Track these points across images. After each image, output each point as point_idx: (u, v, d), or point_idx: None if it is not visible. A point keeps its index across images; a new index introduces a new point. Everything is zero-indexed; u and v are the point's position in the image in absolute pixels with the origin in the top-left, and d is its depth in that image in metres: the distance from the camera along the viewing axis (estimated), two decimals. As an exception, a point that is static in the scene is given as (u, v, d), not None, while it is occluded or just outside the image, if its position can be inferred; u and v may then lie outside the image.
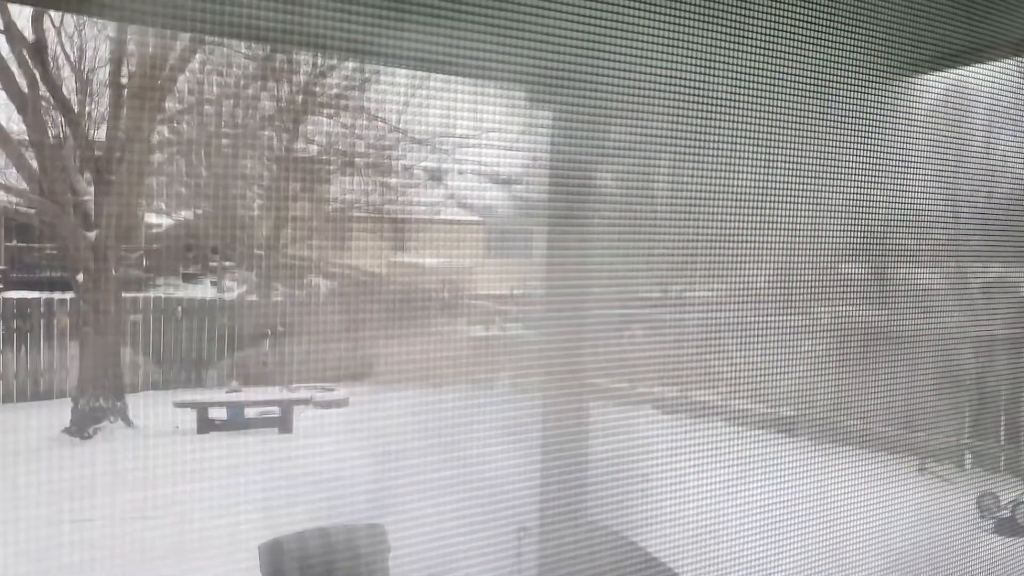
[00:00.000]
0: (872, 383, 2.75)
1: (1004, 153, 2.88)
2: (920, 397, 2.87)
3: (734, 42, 2.12)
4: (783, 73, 2.20)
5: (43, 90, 5.60)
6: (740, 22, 2.10)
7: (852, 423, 2.80)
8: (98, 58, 6.01)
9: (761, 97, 2.29)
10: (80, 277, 5.76)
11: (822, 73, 2.25)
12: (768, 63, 2.18)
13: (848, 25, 2.24)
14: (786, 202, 2.41)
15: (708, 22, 2.04)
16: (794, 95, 2.27)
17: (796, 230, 2.47)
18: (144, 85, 5.63)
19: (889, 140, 2.50)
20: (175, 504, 4.62)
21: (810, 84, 2.25)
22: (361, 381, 5.80)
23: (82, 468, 5.01)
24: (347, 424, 5.61)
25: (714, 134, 2.24)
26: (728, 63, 2.16)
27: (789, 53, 2.15)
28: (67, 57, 5.88)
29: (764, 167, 2.40)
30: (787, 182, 2.39)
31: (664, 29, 1.97)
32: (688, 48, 2.04)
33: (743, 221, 2.47)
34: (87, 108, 6.03)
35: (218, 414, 6.08)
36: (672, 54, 2.01)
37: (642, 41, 1.97)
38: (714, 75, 2.15)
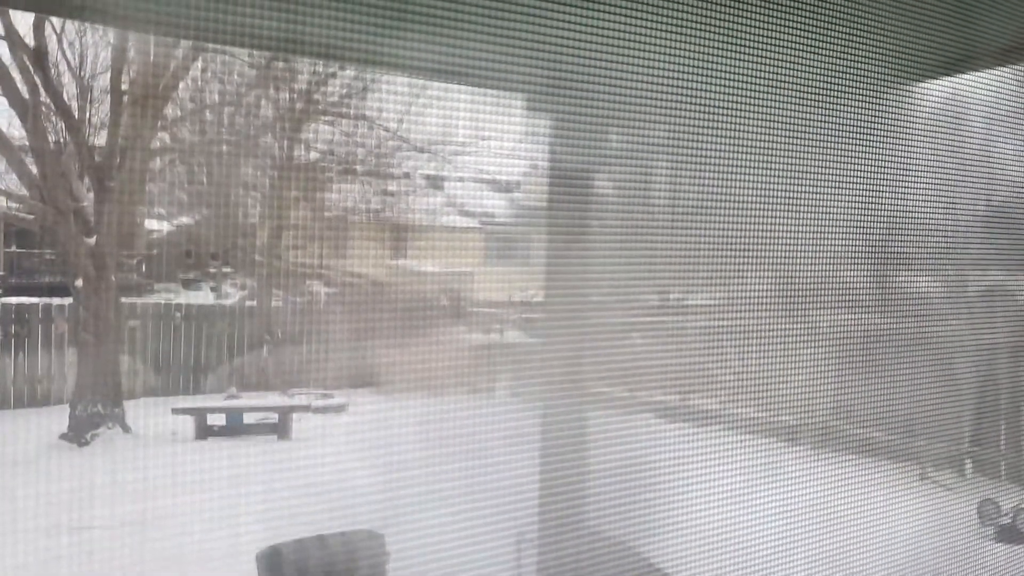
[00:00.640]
0: (872, 390, 2.75)
1: (1003, 159, 2.89)
2: (921, 404, 2.87)
3: (733, 49, 2.12)
4: (782, 80, 2.21)
5: (44, 96, 5.61)
6: (739, 30, 2.10)
7: (852, 430, 2.80)
8: (99, 64, 6.03)
9: (760, 104, 2.30)
10: (79, 283, 5.76)
11: (821, 80, 2.26)
12: (767, 71, 2.18)
13: (847, 32, 2.25)
14: (786, 209, 2.41)
15: (707, 29, 2.05)
16: (794, 102, 2.27)
17: (796, 237, 2.47)
18: (145, 92, 5.64)
19: (889, 147, 2.50)
20: (173, 511, 4.61)
21: (810, 91, 2.26)
22: (360, 387, 5.79)
23: (80, 475, 5.00)
24: (346, 430, 5.60)
25: (714, 141, 2.24)
26: (727, 71, 2.17)
27: (788, 60, 2.16)
28: (68, 63, 5.89)
29: (763, 174, 2.41)
30: (787, 189, 2.40)
31: (663, 36, 1.97)
32: (687, 55, 2.04)
33: (743, 228, 2.47)
34: (88, 114, 6.04)
35: (216, 420, 6.07)
36: (671, 61, 2.02)
37: (642, 48, 1.98)
38: (713, 82, 2.15)
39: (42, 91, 5.57)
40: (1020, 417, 3.33)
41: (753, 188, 2.40)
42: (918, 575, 2.65)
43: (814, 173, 2.42)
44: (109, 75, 5.87)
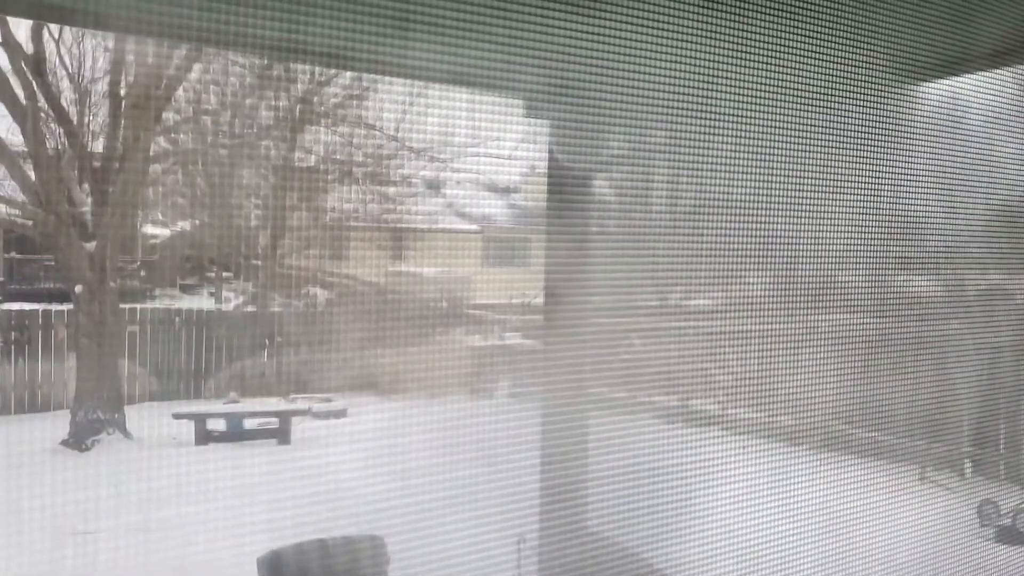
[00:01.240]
0: (872, 392, 2.75)
1: (1004, 161, 2.89)
2: (920, 405, 2.87)
3: (733, 53, 2.13)
4: (782, 82, 2.21)
5: (42, 102, 5.62)
6: (738, 34, 2.11)
7: (852, 432, 2.80)
8: (97, 70, 6.03)
9: (760, 107, 2.30)
10: (78, 288, 5.76)
11: (821, 82, 2.26)
12: (766, 72, 2.19)
13: (846, 36, 2.25)
14: (786, 211, 2.41)
15: (706, 32, 2.05)
16: (793, 104, 2.27)
17: (796, 239, 2.47)
18: (143, 97, 5.65)
19: (889, 149, 2.51)
20: (174, 516, 4.60)
21: (809, 93, 2.26)
22: (359, 391, 5.79)
23: (80, 480, 5.00)
24: (346, 434, 5.60)
25: (712, 143, 2.25)
26: (727, 74, 2.17)
27: (787, 62, 2.16)
28: (66, 69, 5.90)
29: (762, 176, 2.41)
30: (787, 191, 2.40)
31: (663, 39, 1.97)
32: (686, 57, 2.04)
33: (743, 230, 2.47)
34: (86, 120, 6.04)
35: (216, 425, 6.07)
36: (670, 64, 2.02)
37: (640, 51, 1.98)
38: (712, 86, 2.15)
39: (41, 97, 5.57)
40: (1019, 418, 3.34)
41: (753, 191, 2.41)
42: (918, 576, 2.65)
43: (814, 176, 2.42)
44: (107, 80, 5.88)
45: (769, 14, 2.10)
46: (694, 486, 2.27)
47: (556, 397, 2.47)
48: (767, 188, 2.39)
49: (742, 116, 2.30)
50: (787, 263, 2.55)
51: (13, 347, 6.04)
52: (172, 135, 6.23)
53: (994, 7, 2.47)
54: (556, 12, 1.95)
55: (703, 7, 2.02)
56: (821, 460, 2.66)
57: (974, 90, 2.66)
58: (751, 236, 2.48)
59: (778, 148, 2.34)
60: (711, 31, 2.06)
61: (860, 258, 2.69)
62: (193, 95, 5.79)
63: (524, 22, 1.94)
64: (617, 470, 2.37)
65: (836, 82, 2.31)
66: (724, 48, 2.12)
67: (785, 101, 2.26)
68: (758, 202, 2.40)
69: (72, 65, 5.94)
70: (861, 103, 2.43)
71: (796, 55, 2.15)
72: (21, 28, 5.35)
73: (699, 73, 2.10)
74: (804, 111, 2.31)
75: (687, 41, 2.02)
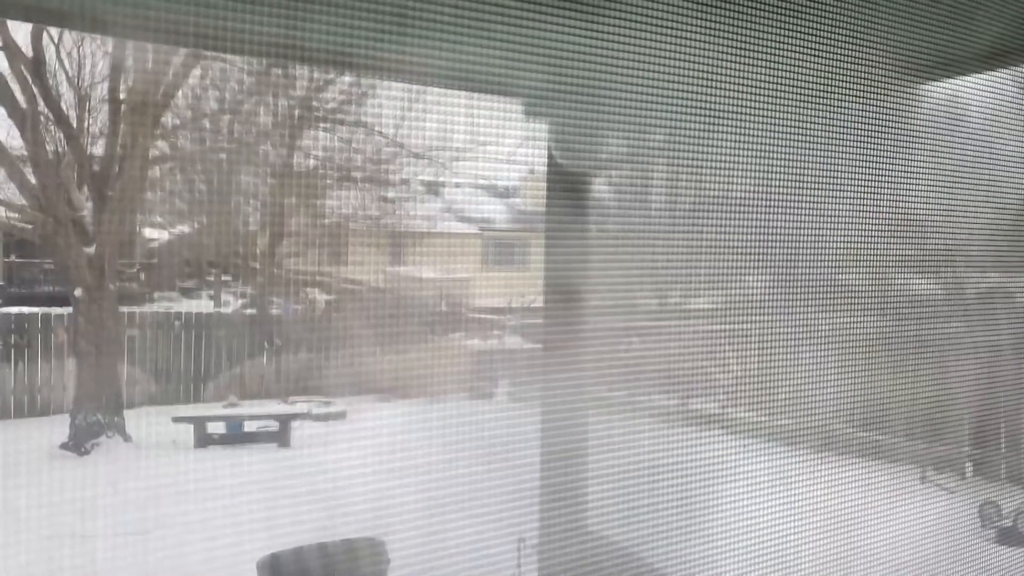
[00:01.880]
0: (872, 392, 2.75)
1: (1005, 161, 2.89)
2: (921, 406, 2.87)
3: (731, 53, 2.13)
4: (781, 82, 2.21)
5: (42, 106, 5.62)
6: (737, 33, 2.11)
7: (852, 432, 2.79)
8: (96, 74, 6.04)
9: (759, 106, 2.30)
10: (78, 292, 5.76)
11: (821, 81, 2.26)
12: (765, 72, 2.19)
13: (847, 33, 2.25)
14: (785, 211, 2.41)
15: (704, 31, 2.05)
16: (793, 103, 2.27)
17: (796, 239, 2.47)
18: (142, 100, 5.66)
19: (889, 149, 2.50)
20: (174, 519, 4.60)
21: (809, 92, 2.26)
22: (359, 394, 5.80)
23: (80, 483, 5.00)
24: (345, 437, 5.60)
25: (711, 143, 2.25)
26: (725, 74, 2.17)
27: (787, 61, 2.16)
28: (66, 73, 5.91)
29: (762, 176, 2.41)
30: (786, 191, 2.40)
31: (662, 39, 1.97)
32: (685, 57, 2.04)
33: (743, 231, 2.47)
34: (86, 124, 6.05)
35: (216, 428, 6.07)
36: (669, 64, 2.02)
37: (639, 51, 1.98)
38: (711, 84, 2.15)
39: (40, 101, 5.58)
40: (1020, 419, 3.33)
41: (753, 191, 2.41)
42: (919, 577, 2.64)
43: (814, 176, 2.42)
44: (107, 84, 5.89)
45: (768, 14, 2.10)
46: (694, 486, 2.27)
47: (555, 398, 2.47)
48: (767, 188, 2.39)
49: (741, 116, 2.30)
50: (787, 263, 2.54)
51: (13, 350, 6.04)
52: (171, 138, 6.24)
53: (995, 6, 2.47)
54: (555, 13, 1.95)
55: (702, 6, 2.02)
56: (821, 461, 2.66)
57: (975, 90, 2.66)
58: (751, 236, 2.48)
59: (778, 148, 2.34)
60: (710, 30, 2.06)
61: (861, 258, 2.69)
62: (192, 98, 5.81)
63: (523, 23, 1.94)
64: (617, 471, 2.37)
65: (836, 81, 2.31)
66: (723, 47, 2.11)
67: (785, 100, 2.26)
68: (758, 202, 2.40)
69: (71, 69, 5.95)
70: (861, 103, 2.43)
71: (796, 54, 2.14)
72: (20, 32, 5.36)
73: (698, 72, 2.10)
74: (804, 110, 2.31)
75: (686, 40, 2.02)
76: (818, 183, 2.44)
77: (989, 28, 2.45)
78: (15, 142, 5.66)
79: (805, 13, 2.11)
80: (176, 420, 5.90)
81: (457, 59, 2.11)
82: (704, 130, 2.19)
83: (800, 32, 2.12)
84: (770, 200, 2.39)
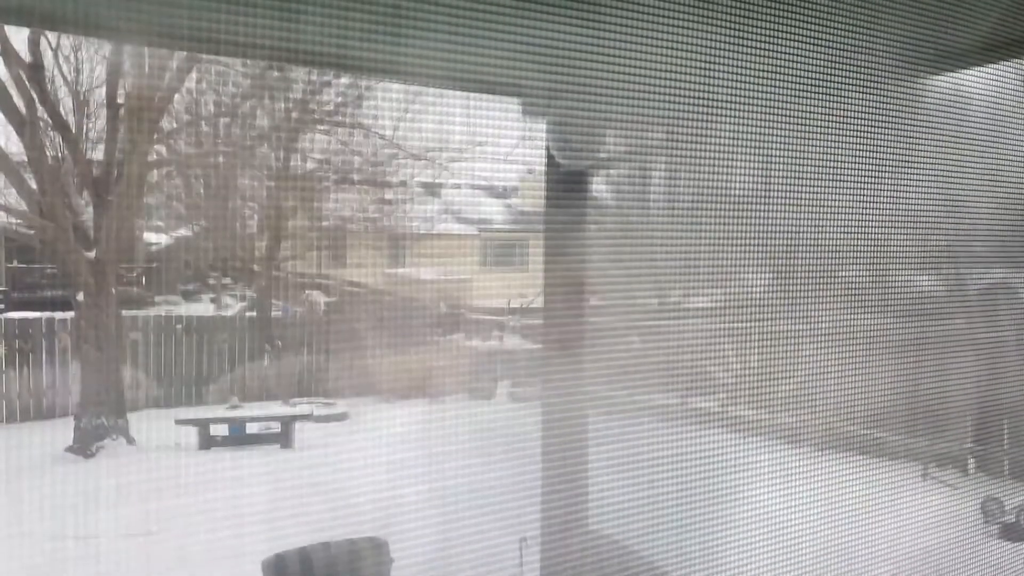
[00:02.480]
0: (874, 389, 2.74)
1: (1007, 156, 2.88)
2: (923, 402, 2.86)
3: (730, 47, 2.12)
4: (779, 79, 2.20)
5: (41, 111, 5.63)
6: (736, 27, 2.10)
7: (854, 429, 2.79)
8: (94, 78, 6.05)
9: (757, 103, 2.29)
10: (80, 296, 5.77)
11: (820, 77, 2.25)
12: (764, 69, 2.18)
13: (847, 28, 2.24)
14: (786, 207, 2.40)
15: (703, 28, 2.05)
16: (791, 100, 2.27)
17: (797, 235, 2.46)
18: (141, 104, 5.66)
19: (890, 144, 2.50)
20: (178, 520, 4.61)
21: (808, 88, 2.25)
22: (361, 395, 5.80)
23: (86, 486, 5.01)
24: (347, 438, 5.60)
25: (710, 141, 2.24)
26: (724, 69, 2.16)
27: (785, 58, 2.15)
28: (64, 78, 5.91)
29: (761, 173, 2.40)
30: (785, 188, 2.39)
31: (659, 34, 1.97)
32: (684, 54, 2.04)
33: (742, 227, 2.46)
34: (85, 128, 6.05)
35: (219, 430, 6.08)
36: (668, 60, 2.01)
37: (637, 47, 1.98)
38: (710, 81, 2.15)
39: (39, 106, 5.58)
40: (1023, 415, 3.32)
41: (752, 188, 2.40)
42: (922, 574, 2.64)
43: (814, 172, 2.42)
44: (105, 88, 5.89)
45: (766, 9, 2.09)
46: (696, 485, 2.27)
47: (556, 398, 2.47)
48: (766, 185, 2.39)
49: (740, 113, 2.30)
50: (788, 259, 2.54)
51: (17, 355, 6.05)
52: (170, 142, 6.25)
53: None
54: (553, 13, 1.95)
55: (700, 4, 2.01)
56: (823, 457, 2.65)
57: (978, 83, 2.65)
58: (751, 233, 2.47)
59: (777, 144, 2.34)
60: (708, 27, 2.06)
61: (862, 254, 2.68)
62: (190, 102, 5.81)
63: (521, 23, 1.94)
64: (618, 470, 2.37)
65: (837, 76, 2.30)
66: (722, 43, 2.11)
67: (784, 97, 2.25)
68: (758, 198, 2.40)
69: (70, 73, 5.95)
70: (862, 97, 2.42)
71: (796, 50, 2.14)
72: (18, 37, 5.37)
73: (696, 70, 2.09)
74: (804, 105, 2.30)
75: (684, 38, 2.01)
76: (819, 179, 2.43)
77: (991, 20, 2.44)
78: (15, 147, 5.67)
79: (804, 8, 2.11)
80: (179, 422, 5.92)
81: (454, 59, 2.10)
82: (704, 126, 2.18)
83: (800, 27, 2.11)
84: (771, 196, 2.38)
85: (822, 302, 2.61)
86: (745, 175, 2.41)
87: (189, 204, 6.47)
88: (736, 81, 2.18)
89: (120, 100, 5.77)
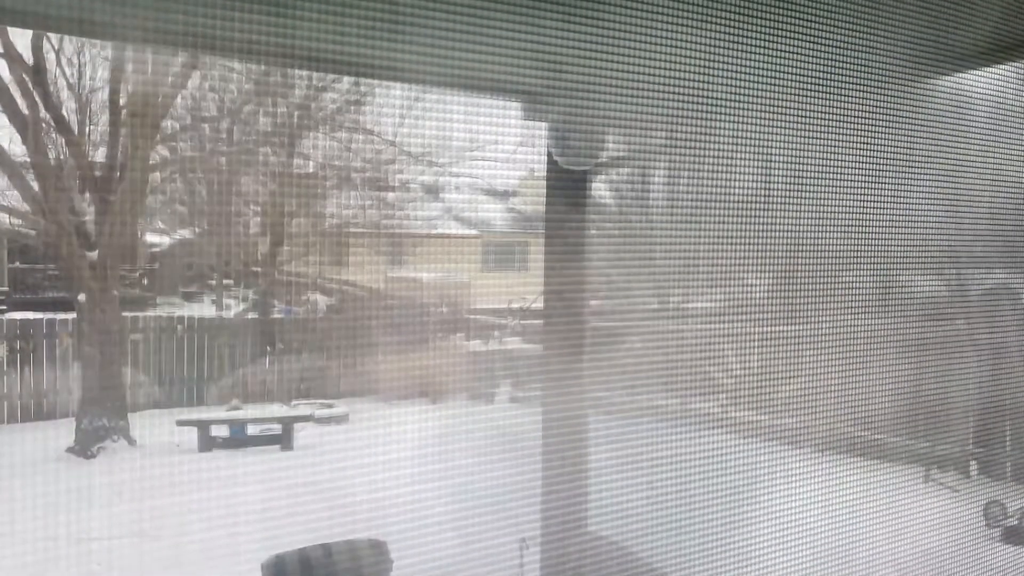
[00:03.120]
0: (876, 391, 2.73)
1: (1009, 157, 2.87)
2: (925, 405, 2.85)
3: (732, 49, 2.12)
4: (781, 80, 2.20)
5: (43, 112, 5.64)
6: (738, 28, 2.10)
7: (855, 432, 2.78)
8: (97, 79, 6.06)
9: (759, 105, 2.29)
10: (82, 297, 5.77)
11: (822, 78, 2.25)
12: (766, 70, 2.18)
13: (848, 29, 2.24)
14: (787, 209, 2.40)
15: (705, 30, 2.04)
16: (793, 101, 2.26)
17: (798, 237, 2.46)
18: (143, 106, 5.67)
19: (891, 146, 2.49)
20: (179, 522, 4.61)
21: (809, 90, 2.25)
22: (361, 396, 5.80)
23: (87, 487, 5.01)
24: (348, 440, 5.60)
25: (711, 142, 2.24)
26: (726, 70, 2.16)
27: (787, 59, 2.15)
28: (66, 80, 5.92)
29: (763, 175, 2.40)
30: (787, 190, 2.39)
31: (660, 35, 1.97)
32: (685, 55, 2.03)
33: (742, 229, 2.46)
34: (87, 130, 6.06)
35: (220, 432, 6.08)
36: (668, 61, 2.01)
37: (638, 48, 1.97)
38: (712, 83, 2.14)
39: (42, 107, 5.59)
40: (1025, 416, 3.31)
41: (753, 190, 2.40)
42: (924, 577, 2.63)
43: (815, 175, 2.41)
44: (107, 90, 5.90)
45: (767, 10, 2.09)
46: (696, 487, 2.26)
47: (556, 400, 2.46)
48: (767, 187, 2.38)
49: (742, 115, 2.29)
50: (789, 262, 2.53)
51: (18, 356, 6.06)
52: (172, 143, 6.26)
53: (1000, 0, 2.45)
54: (554, 14, 1.95)
55: (701, 5, 2.01)
56: (824, 460, 2.64)
57: (980, 85, 2.64)
58: (753, 235, 2.47)
59: (779, 147, 2.34)
60: (710, 29, 2.05)
61: (864, 256, 2.67)
62: (192, 103, 5.82)
63: (522, 24, 1.94)
64: (618, 471, 2.36)
65: (837, 79, 2.29)
66: (724, 45, 2.10)
67: (786, 98, 2.25)
68: (759, 200, 2.39)
69: (72, 75, 5.96)
70: (863, 100, 2.42)
71: (799, 52, 2.13)
72: (21, 38, 5.38)
73: (697, 71, 2.09)
74: (806, 108, 2.29)
75: (685, 39, 2.01)
76: (821, 180, 2.43)
77: (993, 21, 2.44)
78: (17, 149, 5.68)
79: (806, 9, 2.10)
80: (180, 424, 5.92)
81: (454, 61, 2.10)
82: (704, 128, 2.18)
83: (802, 28, 2.11)
84: (772, 198, 2.38)
85: (823, 304, 2.61)
86: (746, 176, 2.40)
87: (191, 206, 6.48)
88: (737, 83, 2.18)
89: (122, 102, 5.78)
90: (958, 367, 2.92)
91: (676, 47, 2.00)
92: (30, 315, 6.24)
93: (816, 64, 2.17)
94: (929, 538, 2.72)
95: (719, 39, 2.08)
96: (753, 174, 2.41)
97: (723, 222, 2.43)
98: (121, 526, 4.61)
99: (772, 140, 2.33)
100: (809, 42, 2.13)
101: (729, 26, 2.07)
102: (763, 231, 2.45)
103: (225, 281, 6.80)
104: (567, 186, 2.51)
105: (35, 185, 5.76)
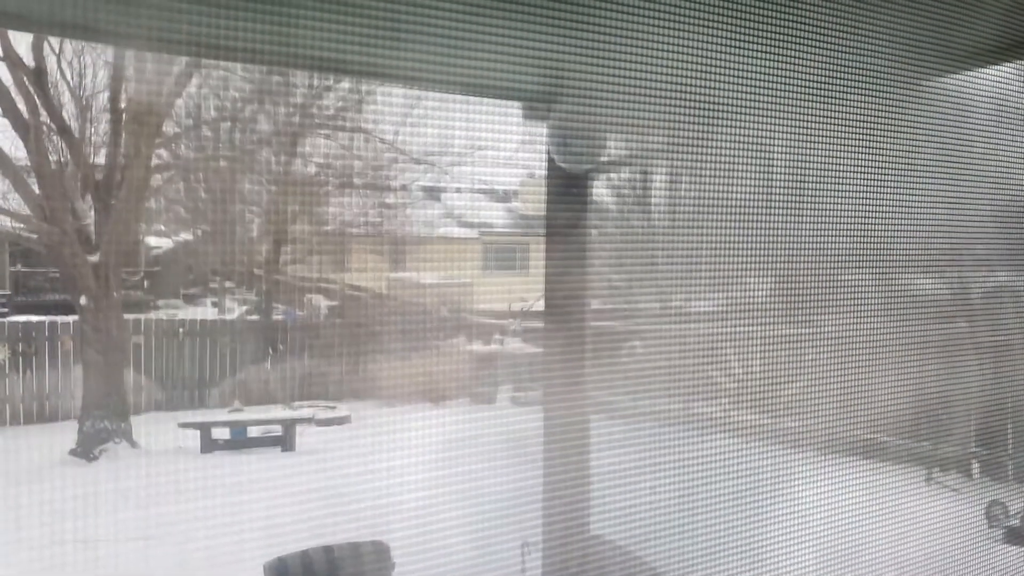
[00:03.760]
0: (877, 392, 2.73)
1: (1011, 158, 2.87)
2: (926, 406, 2.85)
3: (731, 51, 2.12)
4: (781, 82, 2.20)
5: (44, 116, 5.65)
6: (739, 30, 2.10)
7: (857, 433, 2.78)
8: (97, 83, 6.07)
9: (760, 106, 2.29)
10: (83, 300, 5.79)
11: (822, 80, 2.25)
12: (767, 71, 2.18)
13: (848, 32, 2.24)
14: (788, 211, 2.40)
15: (706, 32, 2.05)
16: (793, 103, 2.26)
17: (798, 239, 2.46)
18: (143, 109, 5.68)
19: (893, 148, 2.49)
20: (180, 523, 4.61)
21: (810, 92, 2.25)
22: (362, 398, 5.80)
23: (89, 489, 5.01)
24: (349, 441, 5.60)
25: (713, 144, 2.24)
26: (725, 73, 2.16)
27: (787, 62, 2.15)
28: (67, 83, 5.93)
29: (764, 177, 2.40)
30: (788, 192, 2.39)
31: (660, 38, 1.97)
32: (685, 58, 2.03)
33: (743, 231, 2.46)
34: (87, 132, 6.07)
35: (221, 434, 6.08)
36: (669, 64, 2.01)
37: (638, 51, 1.97)
38: (712, 85, 2.14)
39: (42, 111, 5.60)
40: (1027, 417, 3.31)
41: (755, 192, 2.40)
42: (926, 578, 2.63)
43: (816, 175, 2.41)
44: (108, 93, 5.91)
45: (767, 13, 2.09)
46: (698, 490, 2.26)
47: (557, 402, 2.46)
48: (769, 189, 2.38)
49: (743, 117, 2.29)
50: (791, 263, 2.53)
51: (20, 359, 6.07)
52: (172, 146, 6.27)
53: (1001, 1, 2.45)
54: (554, 16, 1.95)
55: (702, 6, 2.01)
56: (826, 462, 2.64)
57: (981, 86, 2.64)
58: (754, 237, 2.47)
59: (779, 147, 2.34)
60: (710, 30, 2.06)
61: (865, 258, 2.67)
62: (192, 106, 5.83)
63: (522, 27, 1.94)
64: (620, 475, 2.36)
65: (838, 81, 2.30)
66: (724, 47, 2.10)
67: (787, 100, 2.25)
68: (760, 202, 2.39)
69: (73, 78, 5.97)
70: (864, 101, 2.42)
71: (799, 53, 2.13)
72: (22, 42, 5.39)
73: (698, 74, 2.09)
74: (807, 109, 2.29)
75: (686, 42, 2.01)
76: (822, 182, 2.43)
77: (994, 21, 2.44)
78: (19, 152, 5.69)
79: (807, 12, 2.10)
80: (182, 426, 5.93)
81: (455, 63, 2.10)
82: (705, 131, 2.18)
83: (802, 30, 2.11)
84: (772, 200, 2.38)
85: (825, 306, 2.61)
86: (747, 178, 2.40)
87: (191, 208, 6.49)
88: (737, 85, 2.18)
89: (123, 105, 5.79)
90: (960, 368, 2.91)
91: (677, 49, 2.00)
92: (32, 318, 6.25)
93: (816, 66, 2.17)
94: (931, 539, 2.72)
95: (719, 42, 2.08)
96: (754, 176, 2.41)
97: (724, 224, 2.43)
98: (123, 527, 4.62)
99: (773, 141, 2.33)
100: (809, 44, 2.13)
101: (728, 29, 2.07)
102: (765, 233, 2.45)
103: (226, 284, 6.81)
104: (568, 188, 2.51)
105: (36, 188, 5.77)
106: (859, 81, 2.33)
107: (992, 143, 2.73)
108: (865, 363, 2.70)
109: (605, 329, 2.62)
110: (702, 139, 2.19)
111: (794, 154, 2.33)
